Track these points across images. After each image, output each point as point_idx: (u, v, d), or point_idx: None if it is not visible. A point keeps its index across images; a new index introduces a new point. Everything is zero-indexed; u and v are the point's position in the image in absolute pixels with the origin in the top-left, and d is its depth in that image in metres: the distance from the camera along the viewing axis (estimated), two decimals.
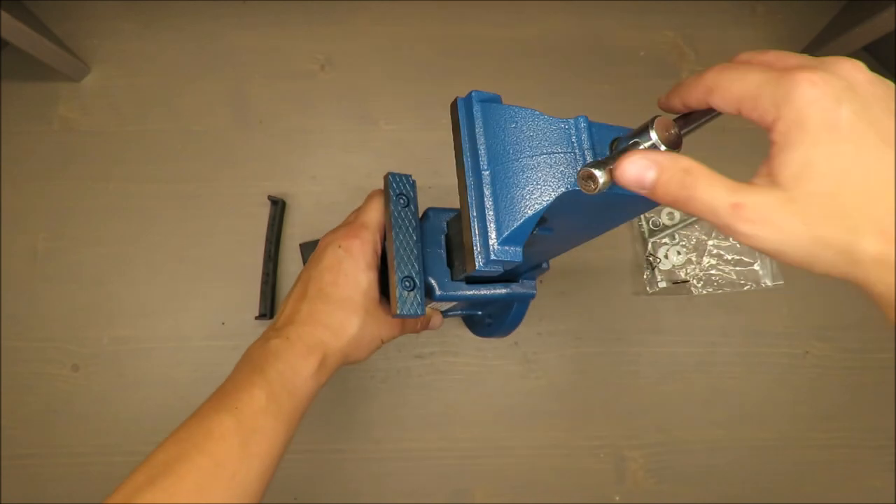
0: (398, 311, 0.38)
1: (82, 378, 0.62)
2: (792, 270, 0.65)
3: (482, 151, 0.32)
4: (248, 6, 0.69)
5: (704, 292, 0.65)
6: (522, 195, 0.31)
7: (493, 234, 0.31)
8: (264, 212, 0.64)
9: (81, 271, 0.64)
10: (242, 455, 0.32)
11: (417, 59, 0.68)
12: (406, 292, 0.38)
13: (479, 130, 0.32)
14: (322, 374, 0.37)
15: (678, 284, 0.65)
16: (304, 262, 0.63)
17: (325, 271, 0.38)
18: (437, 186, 0.65)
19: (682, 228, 0.65)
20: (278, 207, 0.64)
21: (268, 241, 0.63)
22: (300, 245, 0.63)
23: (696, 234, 0.66)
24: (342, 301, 0.38)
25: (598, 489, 0.62)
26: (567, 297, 0.65)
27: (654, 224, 0.65)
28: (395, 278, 0.38)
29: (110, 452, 0.60)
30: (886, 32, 0.57)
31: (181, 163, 0.66)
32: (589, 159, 0.30)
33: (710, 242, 0.65)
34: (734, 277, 0.65)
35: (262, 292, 0.62)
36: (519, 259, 0.31)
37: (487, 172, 0.32)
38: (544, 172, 0.30)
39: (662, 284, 0.65)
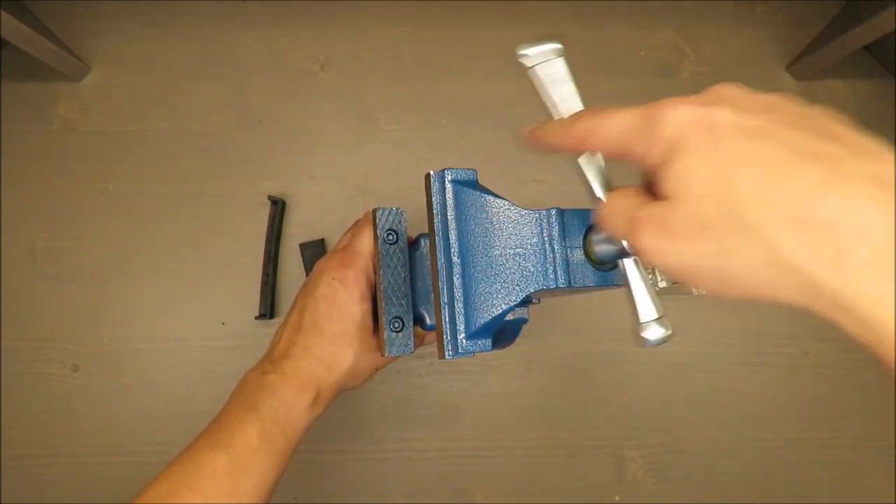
0: (387, 353, 0.38)
1: (82, 378, 0.62)
2: None
3: (453, 238, 0.31)
4: (248, 6, 0.69)
5: (704, 292, 0.65)
6: (491, 292, 0.30)
7: (461, 327, 0.30)
8: (264, 212, 0.64)
9: (81, 271, 0.64)
10: (232, 493, 0.33)
11: (417, 59, 0.68)
12: (394, 333, 0.38)
13: (450, 214, 0.32)
14: (317, 407, 0.38)
15: (678, 284, 0.64)
16: (304, 262, 0.63)
17: (321, 302, 0.39)
18: None
19: None
20: (278, 207, 0.64)
21: (268, 241, 0.63)
22: (300, 245, 0.63)
23: None
24: (336, 335, 0.38)
25: (598, 489, 0.62)
26: (567, 297, 0.65)
27: None
28: (383, 320, 0.38)
29: (110, 452, 0.60)
30: (886, 32, 0.57)
31: (181, 163, 0.66)
32: (559, 253, 0.30)
33: None
34: None
35: (262, 292, 0.62)
36: (488, 349, 0.31)
37: (458, 262, 0.31)
38: (514, 270, 0.31)
39: (663, 284, 0.64)
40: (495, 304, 0.30)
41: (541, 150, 0.27)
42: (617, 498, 0.62)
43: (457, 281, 0.31)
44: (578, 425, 0.63)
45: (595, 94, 0.67)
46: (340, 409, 0.62)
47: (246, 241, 0.64)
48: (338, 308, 0.39)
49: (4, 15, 0.54)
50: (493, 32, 0.69)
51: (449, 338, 0.31)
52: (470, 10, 0.69)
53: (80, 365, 0.62)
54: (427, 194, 0.33)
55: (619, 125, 0.22)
